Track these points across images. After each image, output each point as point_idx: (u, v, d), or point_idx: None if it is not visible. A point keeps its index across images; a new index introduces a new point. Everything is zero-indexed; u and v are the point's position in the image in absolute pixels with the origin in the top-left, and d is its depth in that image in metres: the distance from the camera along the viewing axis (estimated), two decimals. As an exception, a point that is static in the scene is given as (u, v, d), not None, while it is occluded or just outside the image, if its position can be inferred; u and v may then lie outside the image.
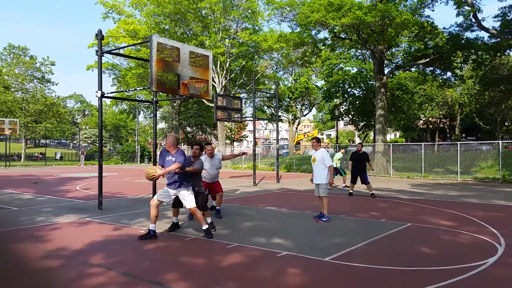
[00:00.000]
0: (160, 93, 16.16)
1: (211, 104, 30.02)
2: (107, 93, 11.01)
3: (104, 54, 10.89)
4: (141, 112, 57.33)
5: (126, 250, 6.18)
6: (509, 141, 28.38)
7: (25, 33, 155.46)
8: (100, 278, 4.76)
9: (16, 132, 37.66)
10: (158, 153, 8.28)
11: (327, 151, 8.33)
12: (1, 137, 40.07)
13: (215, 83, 34.44)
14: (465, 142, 26.16)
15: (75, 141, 78.58)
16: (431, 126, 52.44)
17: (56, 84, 63.57)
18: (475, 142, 27.51)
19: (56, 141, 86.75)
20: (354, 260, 5.58)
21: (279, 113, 53.58)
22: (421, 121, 52.27)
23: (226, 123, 42.38)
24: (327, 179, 8.60)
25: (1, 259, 5.67)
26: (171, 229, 7.48)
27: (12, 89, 47.40)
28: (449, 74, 28.73)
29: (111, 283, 4.59)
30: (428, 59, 25.21)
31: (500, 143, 20.84)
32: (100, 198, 10.27)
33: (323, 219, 8.54)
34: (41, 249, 6.17)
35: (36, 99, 47.73)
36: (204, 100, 35.97)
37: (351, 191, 13.58)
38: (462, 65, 28.03)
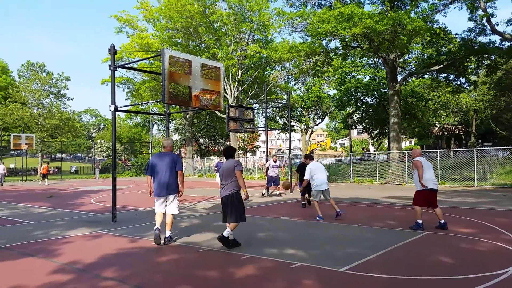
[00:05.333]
0: (173, 105, 16.28)
1: (224, 116, 30.12)
2: (121, 107, 11.12)
3: (117, 69, 11.02)
4: (155, 125, 57.95)
5: (139, 262, 6.15)
6: (528, 146, 27.79)
7: (41, 49, 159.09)
8: (112, 291, 4.73)
9: (33, 147, 38.33)
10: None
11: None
12: (18, 152, 40.72)
13: (227, 94, 34.62)
14: (481, 148, 25.67)
15: (90, 155, 79.57)
16: (446, 133, 51.72)
17: (71, 99, 64.67)
18: (491, 148, 27.00)
19: (72, 155, 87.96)
20: (370, 270, 5.45)
21: (292, 123, 53.51)
22: (436, 128, 51.60)
23: (238, 133, 42.50)
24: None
25: (15, 272, 5.69)
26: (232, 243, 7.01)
27: (29, 105, 48.33)
28: (462, 80, 28.41)
29: (124, 296, 4.55)
30: (441, 66, 24.96)
31: (518, 148, 20.42)
32: (114, 211, 10.30)
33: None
34: (55, 262, 6.18)
35: (52, 114, 48.52)
36: (216, 112, 36.16)
37: (303, 202, 12.93)
38: (477, 70, 27.66)
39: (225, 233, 6.77)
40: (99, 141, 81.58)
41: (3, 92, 51.83)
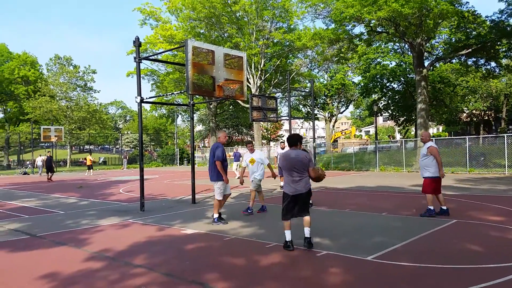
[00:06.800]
0: (197, 96, 16.39)
1: (247, 105, 30.15)
2: (146, 98, 11.28)
3: (142, 61, 11.16)
4: (179, 116, 58.53)
5: (167, 250, 6.28)
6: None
7: (68, 43, 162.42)
8: (142, 279, 4.85)
9: (62, 139, 39.37)
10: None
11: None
12: (48, 144, 41.94)
13: (250, 84, 34.57)
14: (512, 134, 24.86)
15: (117, 146, 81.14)
16: (475, 119, 50.31)
17: (98, 92, 65.97)
18: (524, 133, 26.12)
19: (100, 146, 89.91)
20: (398, 259, 5.40)
21: (315, 111, 53.06)
22: (465, 114, 50.25)
23: (262, 123, 42.47)
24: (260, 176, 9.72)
25: (48, 260, 5.90)
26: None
27: (57, 98, 49.58)
28: (493, 64, 27.45)
29: (153, 284, 4.67)
30: (470, 50, 24.19)
31: (552, 134, 19.68)
32: (142, 200, 10.52)
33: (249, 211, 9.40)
34: (86, 251, 6.38)
35: (80, 106, 49.67)
36: (239, 101, 36.22)
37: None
38: (509, 53, 26.68)
39: (307, 234, 6.05)
40: (126, 132, 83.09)
41: (32, 86, 53.31)
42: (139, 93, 10.57)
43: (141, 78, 12.08)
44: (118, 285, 4.66)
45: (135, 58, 10.75)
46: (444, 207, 8.55)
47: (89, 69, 52.57)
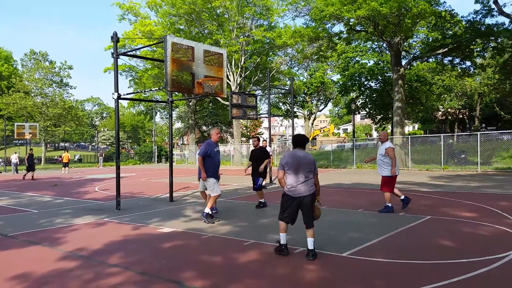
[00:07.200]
0: (176, 93, 16.23)
1: (226, 103, 30.04)
2: (124, 95, 11.10)
3: (120, 56, 10.98)
4: (158, 113, 57.90)
5: (143, 249, 6.21)
6: (532, 130, 27.62)
7: (44, 38, 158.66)
8: (117, 278, 4.78)
9: (36, 136, 38.36)
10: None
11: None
12: (22, 141, 40.91)
13: (230, 81, 34.48)
14: (485, 132, 25.55)
15: (93, 143, 79.79)
16: (450, 117, 51.40)
17: (74, 88, 64.75)
18: (495, 132, 26.86)
19: (75, 143, 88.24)
20: (373, 255, 5.48)
21: (295, 109, 53.32)
22: (440, 113, 51.30)
23: (241, 120, 42.46)
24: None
25: (21, 260, 5.75)
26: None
27: (32, 94, 48.35)
28: (468, 63, 28.13)
29: (128, 283, 4.60)
30: (446, 49, 24.71)
31: (523, 132, 20.32)
32: (118, 199, 10.37)
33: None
34: (60, 250, 6.24)
35: (55, 103, 48.55)
36: (219, 99, 36.10)
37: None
38: (483, 53, 27.37)
39: (311, 246, 5.46)
40: (102, 129, 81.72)
41: (5, 81, 51.83)
42: (116, 89, 10.40)
43: (119, 74, 11.90)
44: (92, 285, 4.57)
45: (112, 53, 10.57)
46: (403, 197, 8.97)
47: (65, 65, 51.39)
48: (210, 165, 8.17)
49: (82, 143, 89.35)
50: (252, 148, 14.14)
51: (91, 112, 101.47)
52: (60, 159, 37.53)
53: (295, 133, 6.63)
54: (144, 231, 7.58)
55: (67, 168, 30.15)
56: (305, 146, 5.86)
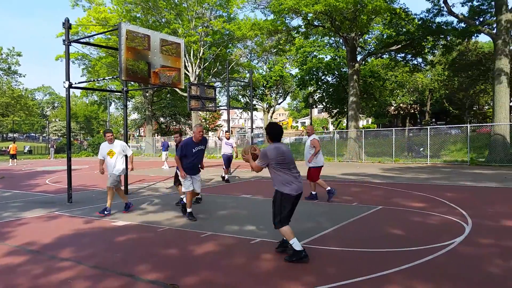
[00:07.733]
0: (131, 82, 15.82)
1: (185, 94, 29.63)
2: (76, 84, 10.70)
3: (72, 44, 10.56)
4: (113, 103, 56.22)
5: (96, 243, 6.05)
6: (477, 125, 29.23)
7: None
8: (69, 273, 4.63)
9: (-18, 126, 36.31)
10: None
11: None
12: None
13: (188, 72, 34.01)
14: (434, 126, 26.78)
15: (44, 134, 76.48)
16: (402, 112, 53.39)
17: (24, 76, 61.67)
18: (444, 126, 28.21)
19: (25, 134, 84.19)
20: (326, 243, 5.63)
21: (254, 102, 53.48)
22: (392, 107, 53.15)
23: (200, 112, 42.06)
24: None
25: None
26: None
27: (-24, 82, 45.70)
28: (419, 59, 29.30)
29: (80, 277, 4.48)
30: (399, 45, 25.58)
31: (468, 127, 21.45)
32: (70, 191, 10.02)
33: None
34: (7, 245, 5.97)
35: (3, 91, 46.13)
36: (177, 90, 35.52)
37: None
38: (433, 50, 28.60)
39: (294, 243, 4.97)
40: (53, 120, 78.40)
41: None
42: (68, 78, 10.00)
43: (71, 63, 11.40)
44: (41, 280, 4.41)
45: (64, 40, 10.14)
46: (314, 192, 9.62)
47: (13, 51, 48.75)
48: (187, 164, 7.68)
49: (32, 134, 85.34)
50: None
51: (42, 101, 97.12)
52: (7, 150, 35.55)
53: (269, 122, 6.03)
54: (97, 224, 7.38)
55: (15, 160, 28.80)
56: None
